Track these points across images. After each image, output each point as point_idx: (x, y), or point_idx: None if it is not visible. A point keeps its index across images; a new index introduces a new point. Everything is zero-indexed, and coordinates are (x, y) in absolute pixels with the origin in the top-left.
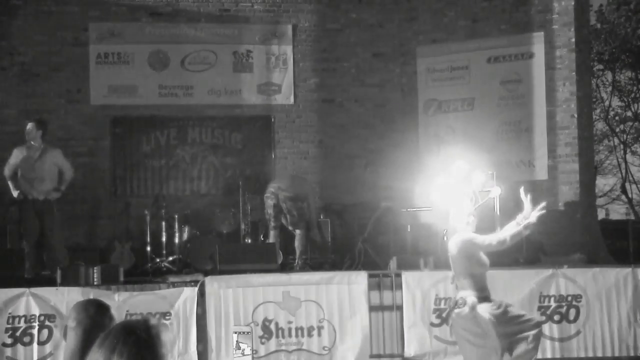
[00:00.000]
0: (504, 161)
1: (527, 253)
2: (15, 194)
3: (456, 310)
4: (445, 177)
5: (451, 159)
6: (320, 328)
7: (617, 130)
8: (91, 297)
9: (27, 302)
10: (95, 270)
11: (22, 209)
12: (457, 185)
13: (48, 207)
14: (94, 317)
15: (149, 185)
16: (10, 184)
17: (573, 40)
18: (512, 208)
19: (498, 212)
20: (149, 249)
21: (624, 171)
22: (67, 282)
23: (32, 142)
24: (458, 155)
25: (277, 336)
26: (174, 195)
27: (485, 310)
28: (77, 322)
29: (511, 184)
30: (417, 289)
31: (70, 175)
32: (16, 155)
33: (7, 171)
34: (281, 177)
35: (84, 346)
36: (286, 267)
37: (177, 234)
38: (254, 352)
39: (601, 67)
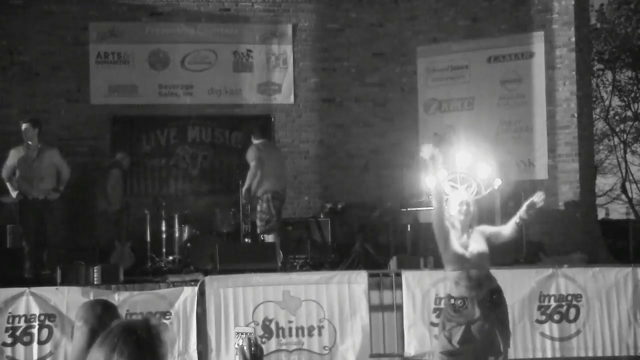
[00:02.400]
0: (504, 161)
1: (527, 253)
2: (14, 194)
3: None
4: (446, 168)
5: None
6: (320, 328)
7: (617, 129)
8: (91, 296)
9: (27, 301)
10: (95, 270)
11: (22, 209)
12: (459, 175)
13: (48, 206)
14: (101, 316)
15: (149, 185)
16: (8, 185)
17: (573, 39)
18: (512, 207)
19: (499, 210)
20: (149, 248)
21: (624, 171)
22: (67, 281)
23: (30, 142)
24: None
25: (278, 336)
26: (174, 195)
27: (445, 308)
28: (84, 321)
29: (511, 183)
30: (417, 288)
31: (67, 175)
32: (13, 156)
33: (4, 172)
34: (275, 175)
35: (91, 345)
36: (287, 266)
37: (177, 234)
38: None
39: (601, 66)
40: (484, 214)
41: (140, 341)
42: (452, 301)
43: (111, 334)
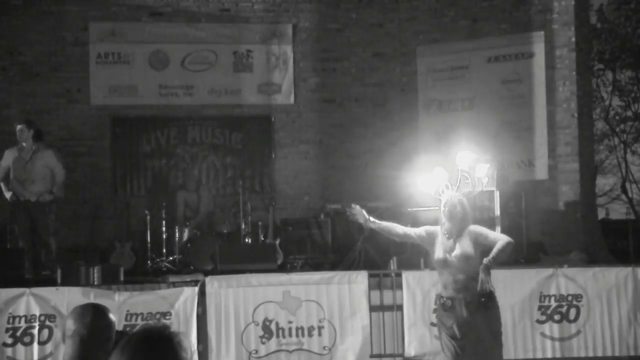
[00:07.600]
0: (504, 161)
1: (527, 253)
2: (7, 195)
3: None
4: (444, 173)
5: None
6: (320, 328)
7: (617, 129)
8: (91, 297)
9: (28, 302)
10: (95, 270)
11: (14, 210)
12: (459, 174)
13: (40, 209)
14: (90, 325)
15: (149, 185)
16: (2, 185)
17: (573, 39)
18: (512, 207)
19: (498, 212)
20: (149, 248)
21: (624, 171)
22: (67, 282)
23: (24, 144)
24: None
25: (278, 336)
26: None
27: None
28: (74, 332)
29: (511, 184)
30: (417, 288)
31: (62, 177)
32: (7, 157)
33: None
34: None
35: (81, 355)
36: (287, 266)
37: (177, 234)
38: (254, 351)
39: (601, 66)
40: (484, 213)
41: (162, 347)
42: (442, 300)
43: (133, 339)
